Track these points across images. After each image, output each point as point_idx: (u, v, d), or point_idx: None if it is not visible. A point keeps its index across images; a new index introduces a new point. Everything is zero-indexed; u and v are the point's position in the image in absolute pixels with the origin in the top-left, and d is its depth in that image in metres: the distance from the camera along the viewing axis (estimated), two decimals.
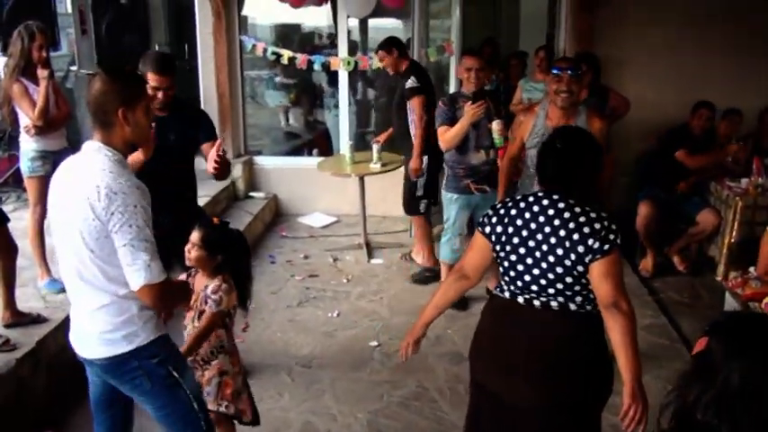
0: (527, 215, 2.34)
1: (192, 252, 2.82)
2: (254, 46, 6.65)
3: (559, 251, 2.27)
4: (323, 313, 4.72)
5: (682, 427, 1.40)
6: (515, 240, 2.35)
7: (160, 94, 3.36)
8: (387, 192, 6.08)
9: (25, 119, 4.04)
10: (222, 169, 3.34)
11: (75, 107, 5.97)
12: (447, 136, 4.42)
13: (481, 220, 2.50)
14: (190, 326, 2.87)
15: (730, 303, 4.23)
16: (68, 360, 3.41)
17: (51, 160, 4.03)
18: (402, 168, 5.46)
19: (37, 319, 3.63)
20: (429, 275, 5.19)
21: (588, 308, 2.35)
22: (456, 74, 4.67)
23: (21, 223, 4.28)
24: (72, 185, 2.17)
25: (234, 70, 6.67)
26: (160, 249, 2.21)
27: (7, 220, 3.57)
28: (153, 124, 2.36)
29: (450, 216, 4.69)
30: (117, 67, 2.31)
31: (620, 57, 5.99)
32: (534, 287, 2.34)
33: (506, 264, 2.39)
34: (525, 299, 2.38)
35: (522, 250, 2.34)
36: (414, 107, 5.06)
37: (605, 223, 2.26)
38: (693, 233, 5.21)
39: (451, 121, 4.42)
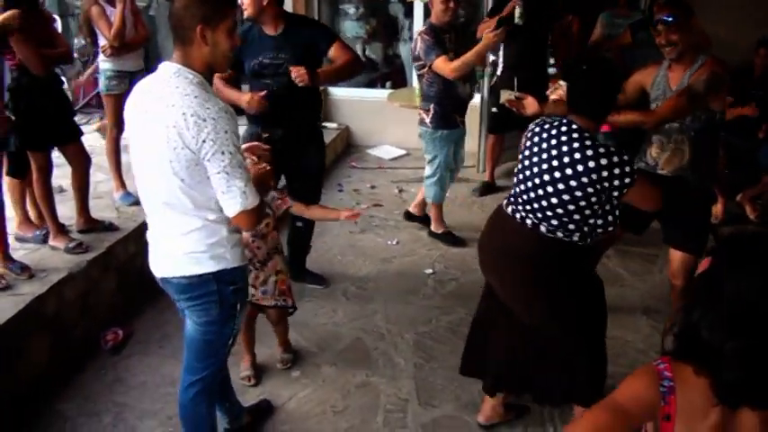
0: (552, 141, 2.42)
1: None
2: None
3: (573, 182, 2.34)
4: (383, 240, 4.84)
5: (686, 347, 1.41)
6: (533, 150, 2.47)
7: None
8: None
9: (103, 40, 4.25)
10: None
11: (156, 33, 6.21)
12: (456, 64, 4.14)
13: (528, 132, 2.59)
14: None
15: None
16: (137, 268, 3.73)
17: (128, 80, 4.26)
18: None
19: (109, 227, 3.89)
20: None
21: (558, 234, 2.48)
22: (430, 5, 4.32)
23: (102, 141, 4.57)
24: (154, 112, 2.07)
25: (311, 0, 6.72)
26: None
27: (81, 134, 3.83)
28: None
29: (437, 153, 4.54)
30: None
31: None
32: (521, 199, 2.52)
33: (517, 177, 2.57)
34: (511, 209, 2.59)
35: (534, 169, 2.45)
36: None
37: (623, 158, 2.33)
38: (767, 182, 4.99)
39: (445, 50, 4.20)
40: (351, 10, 7.53)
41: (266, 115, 3.52)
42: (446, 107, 4.42)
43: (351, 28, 7.59)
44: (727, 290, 1.35)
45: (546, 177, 2.40)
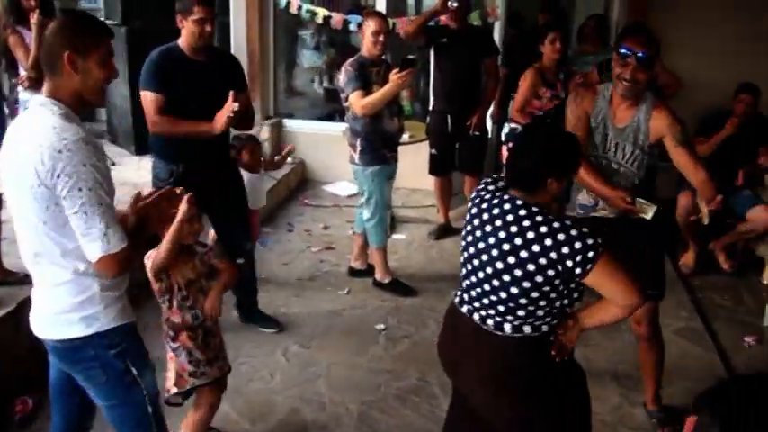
0: (498, 221, 2.08)
1: None
2: (288, 2, 6.33)
3: (530, 266, 2.01)
4: (332, 289, 4.47)
5: None
6: (475, 234, 2.14)
7: (207, 27, 3.27)
8: (417, 163, 5.74)
9: (22, 70, 3.87)
10: (235, 118, 3.22)
11: None
12: (368, 102, 3.98)
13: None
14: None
15: None
16: None
17: None
18: None
19: (24, 280, 3.46)
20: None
21: (526, 329, 2.12)
22: (361, 36, 4.18)
23: None
24: (16, 148, 1.93)
25: (266, 28, 6.38)
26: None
27: None
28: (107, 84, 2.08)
29: (373, 192, 4.26)
30: (76, 11, 2.11)
31: (674, 24, 5.41)
32: (474, 293, 2.16)
33: (465, 268, 2.22)
34: (467, 308, 2.21)
35: (483, 257, 2.11)
36: None
37: (583, 230, 2.00)
38: (742, 230, 4.73)
39: (365, 86, 4.04)
40: (307, 39, 7.24)
41: (183, 150, 3.36)
42: (374, 142, 4.16)
43: (308, 57, 7.29)
44: None
45: (499, 265, 2.05)
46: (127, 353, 2.10)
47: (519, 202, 2.05)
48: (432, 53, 5.14)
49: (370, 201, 4.30)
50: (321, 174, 6.55)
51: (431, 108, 5.31)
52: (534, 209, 2.03)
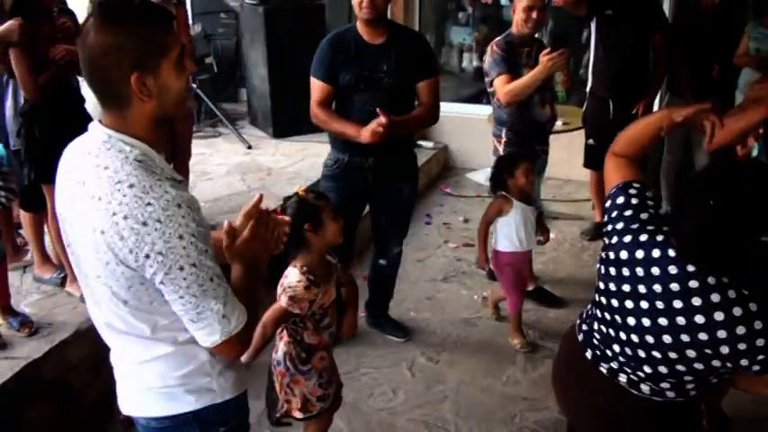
0: (672, 285, 1.58)
1: None
2: None
3: (691, 352, 1.56)
4: (468, 293, 4.06)
5: None
6: (624, 289, 1.68)
7: None
8: (572, 150, 5.15)
9: None
10: (385, 134, 2.89)
11: (241, 40, 5.70)
12: (513, 87, 3.48)
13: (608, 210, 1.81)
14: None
15: None
16: None
17: None
18: None
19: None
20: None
21: (670, 395, 1.69)
22: (512, 12, 3.64)
23: None
24: (79, 201, 1.42)
25: (410, 2, 5.99)
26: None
27: None
28: (194, 85, 1.68)
29: None
30: (120, 2, 1.40)
31: None
32: (614, 349, 1.73)
33: (599, 298, 1.78)
34: (594, 354, 1.79)
35: (628, 305, 1.66)
36: None
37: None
38: None
39: (513, 69, 3.53)
40: (459, 14, 6.75)
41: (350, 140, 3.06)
42: (521, 134, 3.68)
43: (458, 34, 6.82)
44: None
45: (646, 322, 1.61)
46: (236, 430, 1.69)
47: (691, 269, 1.56)
48: (593, 27, 4.51)
49: None
50: (465, 160, 6.12)
51: (588, 91, 4.68)
52: (724, 280, 1.53)
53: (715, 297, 1.51)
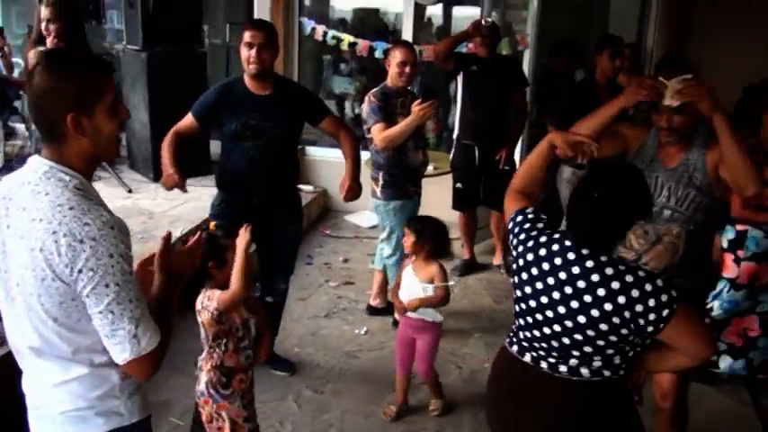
0: (561, 273, 1.90)
1: None
2: (313, 29, 6.22)
3: (603, 326, 1.84)
4: (350, 329, 4.27)
5: None
6: (537, 286, 1.95)
7: (253, 52, 3.14)
8: (441, 194, 5.53)
9: None
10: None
11: (122, 85, 5.73)
12: (389, 134, 3.83)
13: (511, 229, 2.09)
14: None
15: None
16: None
17: None
18: None
19: None
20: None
21: (606, 373, 1.95)
22: (386, 66, 4.04)
23: None
24: (16, 226, 1.57)
25: (290, 54, 6.26)
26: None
27: None
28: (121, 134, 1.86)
29: (395, 227, 4.04)
30: (58, 51, 1.70)
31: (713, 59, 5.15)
32: (545, 345, 1.97)
33: (519, 307, 2.03)
34: (532, 356, 2.02)
35: (543, 300, 1.94)
36: None
37: (657, 285, 1.83)
38: None
39: (388, 117, 3.89)
40: (341, 65, 7.12)
41: (242, 183, 3.31)
42: (397, 176, 4.00)
43: (339, 83, 7.17)
44: None
45: (561, 309, 1.89)
46: None
47: (584, 251, 1.89)
48: (460, 81, 4.95)
49: (392, 237, 4.11)
50: (343, 203, 6.33)
51: (456, 139, 5.08)
52: (602, 258, 1.86)
53: (609, 271, 1.83)
